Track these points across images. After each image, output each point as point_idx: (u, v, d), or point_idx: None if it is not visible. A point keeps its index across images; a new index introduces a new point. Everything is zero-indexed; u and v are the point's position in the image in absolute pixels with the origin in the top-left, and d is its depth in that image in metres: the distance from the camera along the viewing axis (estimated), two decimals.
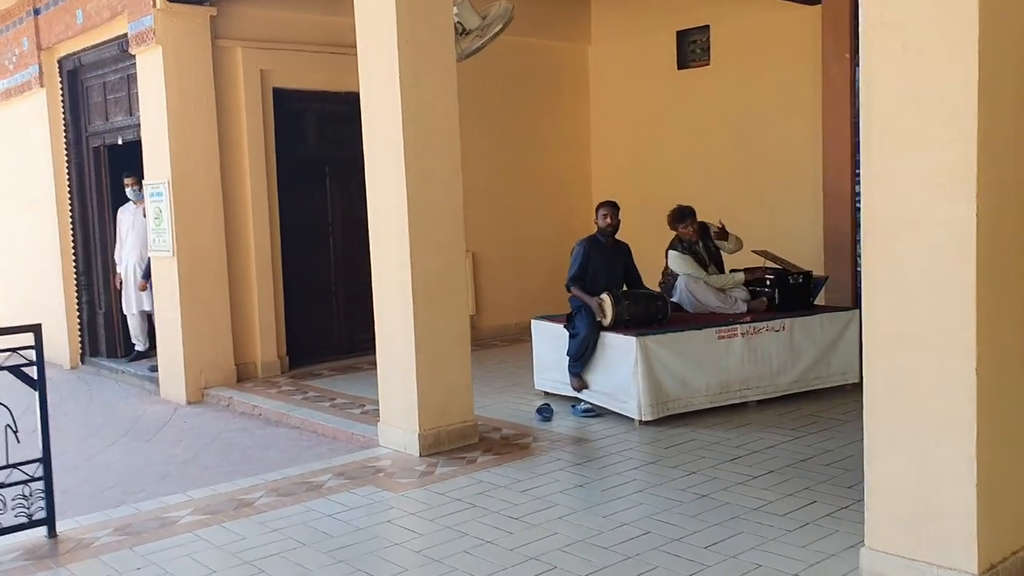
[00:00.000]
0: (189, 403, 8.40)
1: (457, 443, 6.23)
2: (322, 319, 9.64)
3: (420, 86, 5.93)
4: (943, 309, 3.57)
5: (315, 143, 9.52)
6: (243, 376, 8.83)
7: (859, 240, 8.90)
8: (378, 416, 6.92)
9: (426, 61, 5.95)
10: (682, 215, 7.63)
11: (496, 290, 10.87)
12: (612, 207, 7.26)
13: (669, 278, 7.73)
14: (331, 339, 9.72)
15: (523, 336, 10.58)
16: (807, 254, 8.91)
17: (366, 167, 6.28)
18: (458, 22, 6.42)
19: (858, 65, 8.84)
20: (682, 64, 10.63)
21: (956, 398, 3.57)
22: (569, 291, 7.18)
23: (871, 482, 3.89)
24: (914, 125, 3.61)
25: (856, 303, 8.85)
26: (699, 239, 7.68)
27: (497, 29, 6.47)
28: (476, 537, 4.63)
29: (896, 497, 3.79)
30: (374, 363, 9.26)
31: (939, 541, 3.66)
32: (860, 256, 8.98)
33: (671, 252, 7.63)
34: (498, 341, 10.61)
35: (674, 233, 7.74)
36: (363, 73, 6.17)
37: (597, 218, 7.30)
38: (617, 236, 7.36)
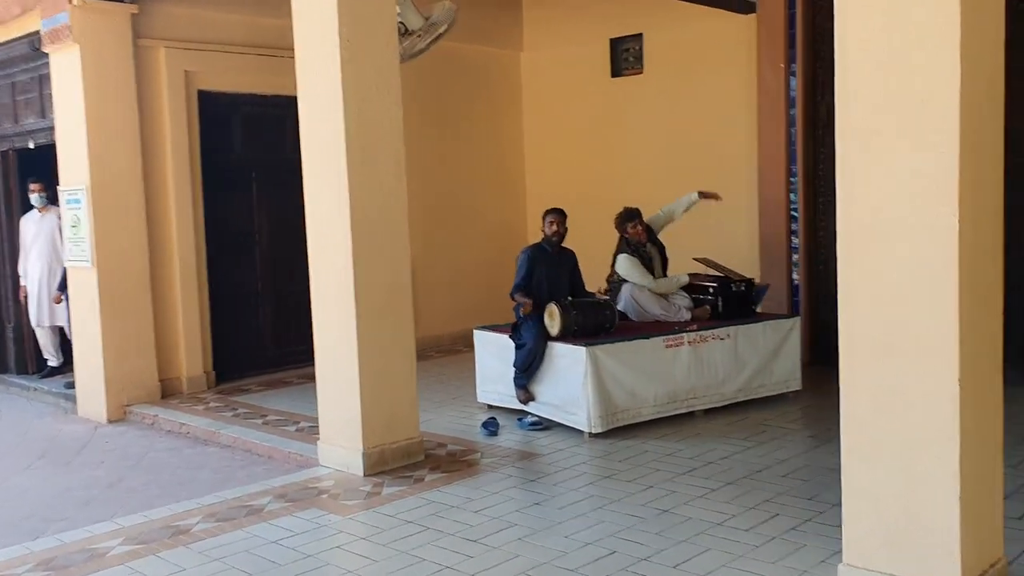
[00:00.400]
0: (110, 421, 7.94)
1: (402, 461, 5.97)
2: (249, 331, 9.26)
3: (362, 86, 5.67)
4: (925, 319, 3.48)
5: (242, 147, 9.15)
6: (168, 392, 8.39)
7: (795, 247, 8.97)
8: (314, 433, 6.63)
9: (368, 60, 5.70)
10: (630, 216, 7.53)
11: (430, 300, 10.59)
12: (559, 215, 7.10)
13: (614, 284, 7.59)
14: (259, 352, 9.33)
15: (458, 346, 10.41)
16: (743, 261, 8.88)
17: (304, 172, 5.99)
18: (400, 22, 6.18)
19: (793, 75, 8.93)
20: (616, 72, 10.55)
21: (939, 411, 3.48)
22: (513, 299, 6.99)
23: (849, 497, 3.79)
24: (894, 129, 3.52)
25: (793, 311, 8.88)
26: (646, 240, 7.58)
27: (442, 30, 6.25)
28: (435, 562, 4.39)
29: (876, 512, 3.69)
30: (304, 377, 9.00)
31: (921, 556, 3.57)
32: (797, 264, 9.09)
33: (621, 256, 7.50)
34: (433, 352, 10.35)
35: (618, 238, 7.61)
36: (301, 73, 5.88)
37: (544, 226, 7.13)
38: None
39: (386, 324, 5.87)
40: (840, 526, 4.57)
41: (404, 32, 6.26)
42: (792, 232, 8.95)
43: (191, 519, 5.15)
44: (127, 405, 8.05)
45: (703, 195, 7.83)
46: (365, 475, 5.78)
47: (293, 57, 5.92)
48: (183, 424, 7.50)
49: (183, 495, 5.78)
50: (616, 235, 7.85)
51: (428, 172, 10.54)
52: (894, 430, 3.61)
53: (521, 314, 6.74)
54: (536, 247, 7.14)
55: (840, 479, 4.56)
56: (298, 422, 7.29)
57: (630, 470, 5.73)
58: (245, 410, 7.79)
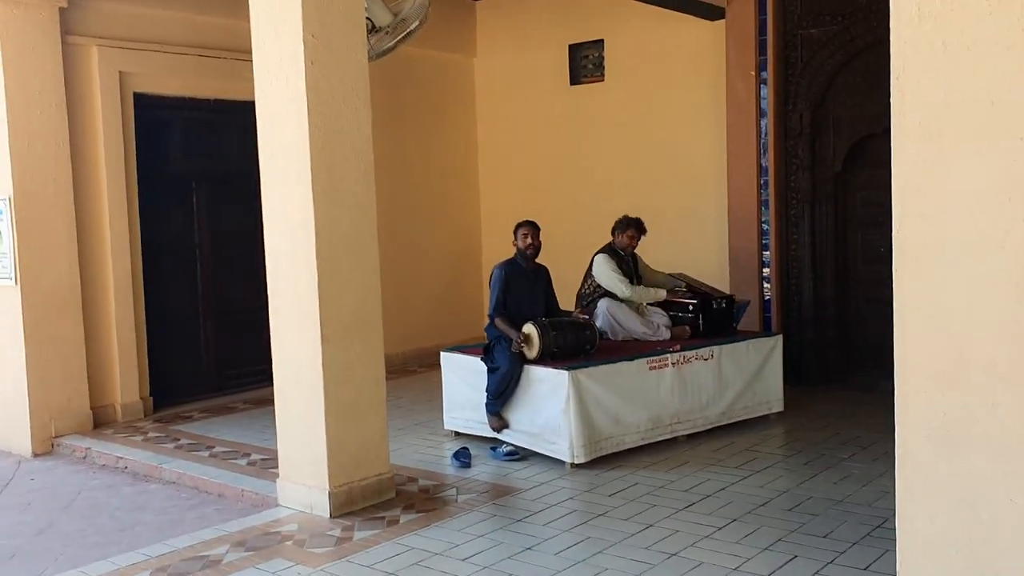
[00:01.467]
0: (36, 455, 7.20)
1: (372, 500, 5.42)
2: (190, 354, 8.58)
3: (329, 88, 5.15)
4: (997, 344, 3.09)
5: (181, 156, 8.48)
6: (101, 421, 7.68)
7: (766, 262, 8.65)
8: (268, 467, 6.09)
9: (336, 59, 5.17)
10: (628, 223, 7.16)
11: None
12: (533, 227, 6.63)
13: (588, 288, 7.15)
14: (200, 376, 8.66)
15: (411, 367, 9.88)
16: (713, 277, 8.53)
17: (262, 183, 5.42)
18: (367, 18, 5.66)
19: (764, 83, 8.64)
20: (575, 79, 10.15)
21: (1012, 447, 3.09)
22: (492, 322, 6.48)
23: (905, 547, 3.37)
24: (959, 132, 3.12)
25: (765, 328, 8.56)
26: (632, 252, 7.17)
27: (412, 26, 5.76)
28: None
29: (936, 560, 3.28)
30: (251, 402, 8.37)
31: None
32: (769, 279, 8.77)
33: (599, 256, 7.09)
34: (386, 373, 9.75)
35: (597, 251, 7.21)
36: (260, 75, 5.31)
37: (516, 239, 6.65)
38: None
39: (354, 349, 5.33)
40: (868, 569, 4.24)
41: (371, 29, 5.74)
42: (763, 247, 8.63)
43: (139, 575, 4.53)
44: (55, 437, 7.33)
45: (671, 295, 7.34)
46: (332, 517, 5.22)
47: (239, 59, 5.40)
48: (120, 458, 6.82)
49: (125, 543, 5.15)
50: (576, 250, 7.46)
51: (375, 183, 9.97)
52: (959, 471, 3.21)
53: (514, 349, 6.22)
54: (509, 263, 6.65)
55: (844, 510, 4.16)
56: (248, 454, 6.68)
57: (624, 506, 5.27)
58: (189, 440, 7.14)
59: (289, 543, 4.89)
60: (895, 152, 3.29)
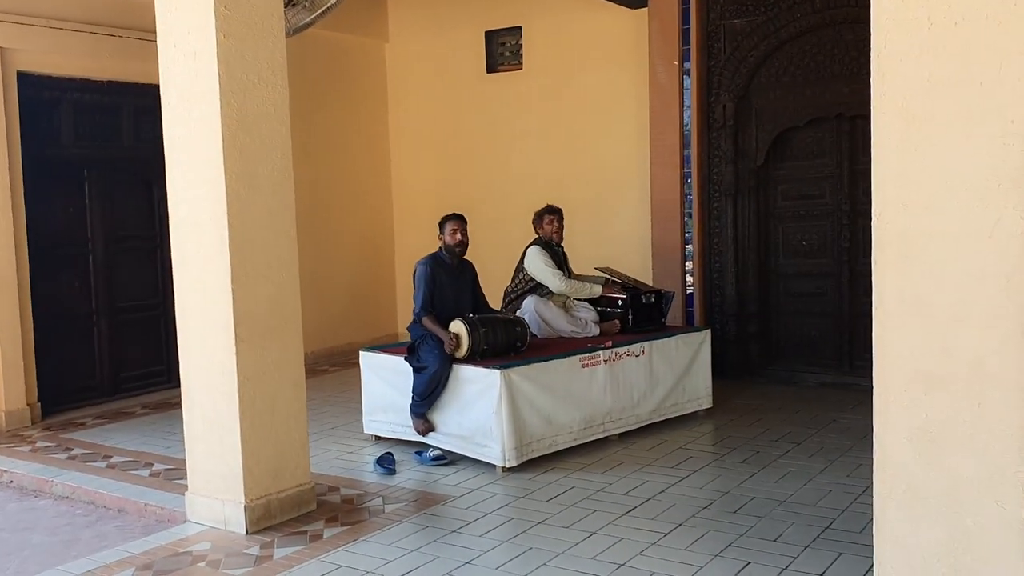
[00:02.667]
0: None
1: (292, 513, 5.01)
2: (82, 355, 7.94)
3: (244, 64, 4.70)
4: (985, 343, 2.90)
5: (72, 141, 7.82)
6: None
7: (689, 255, 8.51)
8: (172, 478, 5.65)
9: (251, 33, 4.73)
10: (550, 209, 6.92)
11: None
12: (462, 222, 6.30)
13: (518, 284, 6.85)
14: (93, 379, 8.03)
15: (321, 366, 9.45)
16: (636, 270, 8.35)
17: (167, 168, 4.94)
18: None
19: (688, 74, 8.48)
20: (492, 67, 9.84)
21: (999, 450, 2.91)
22: (418, 323, 6.11)
23: (884, 552, 3.17)
24: (945, 115, 2.92)
25: (688, 321, 8.42)
26: (560, 241, 6.90)
27: (332, 1, 5.32)
28: None
29: (916, 570, 3.09)
30: (149, 406, 7.80)
31: None
32: (691, 272, 8.63)
33: (531, 248, 6.81)
34: None
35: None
36: (165, 46, 4.83)
37: (443, 234, 6.30)
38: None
39: (272, 350, 4.90)
40: (826, 575, 4.06)
41: (288, 2, 5.30)
42: (686, 240, 8.49)
43: None
44: None
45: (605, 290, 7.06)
46: (248, 533, 4.79)
47: (137, 38, 4.93)
48: (4, 471, 6.21)
49: (11, 571, 4.61)
50: (494, 244, 7.16)
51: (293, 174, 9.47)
52: (943, 475, 3.02)
53: (447, 351, 5.86)
54: (433, 258, 6.29)
55: (790, 511, 4.01)
56: (151, 464, 6.17)
57: (563, 512, 4.99)
58: (83, 450, 6.56)
59: (202, 564, 4.45)
60: (875, 137, 3.08)
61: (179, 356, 5.02)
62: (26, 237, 7.36)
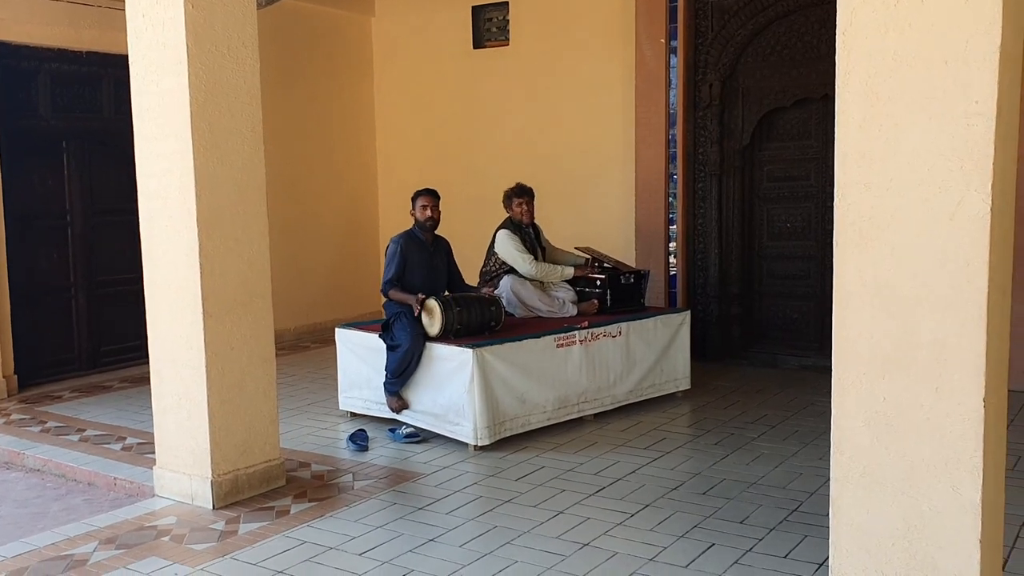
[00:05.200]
0: None
1: (260, 488, 4.99)
2: (59, 328, 7.90)
3: (212, 34, 4.63)
4: (945, 326, 2.87)
5: (50, 112, 7.74)
6: None
7: (672, 236, 8.46)
8: (145, 453, 5.61)
9: (220, 3, 4.66)
10: (521, 191, 6.81)
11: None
12: (432, 196, 6.24)
13: (491, 266, 6.80)
14: (72, 353, 7.99)
15: (304, 343, 9.41)
16: (619, 250, 8.32)
17: (136, 143, 4.89)
18: None
19: (674, 52, 8.40)
20: (478, 43, 9.74)
21: (957, 434, 2.89)
22: (386, 297, 6.08)
23: (840, 535, 3.14)
24: (909, 94, 2.88)
25: (671, 302, 8.39)
26: (530, 222, 6.84)
27: None
28: None
29: (872, 554, 3.07)
30: (127, 380, 7.77)
31: None
32: (675, 253, 8.59)
33: (501, 232, 6.74)
34: (276, 349, 9.22)
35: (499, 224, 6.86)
36: (133, 14, 4.75)
37: (414, 209, 6.25)
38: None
39: (241, 325, 4.86)
40: (788, 557, 4.05)
41: None
42: (670, 219, 8.44)
43: None
44: None
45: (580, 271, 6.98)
46: (215, 508, 4.77)
47: (117, 8, 4.83)
48: None
49: None
50: (477, 222, 7.10)
51: (266, 143, 9.38)
52: (899, 458, 2.99)
53: (415, 310, 5.84)
54: (407, 235, 6.25)
55: (759, 493, 3.98)
56: (123, 438, 6.14)
57: (531, 491, 4.97)
58: (56, 423, 6.53)
59: (166, 539, 4.42)
60: (839, 115, 3.04)
61: (147, 330, 4.97)
62: (2, 209, 7.28)
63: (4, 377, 7.32)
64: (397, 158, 10.41)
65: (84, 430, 6.35)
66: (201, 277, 4.65)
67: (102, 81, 7.94)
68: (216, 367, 4.75)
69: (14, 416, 6.75)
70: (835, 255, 3.05)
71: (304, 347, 9.31)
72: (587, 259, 7.10)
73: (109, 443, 6.04)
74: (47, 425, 6.49)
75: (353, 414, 6.51)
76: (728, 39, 8.04)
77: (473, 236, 7.87)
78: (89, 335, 8.08)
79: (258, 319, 4.95)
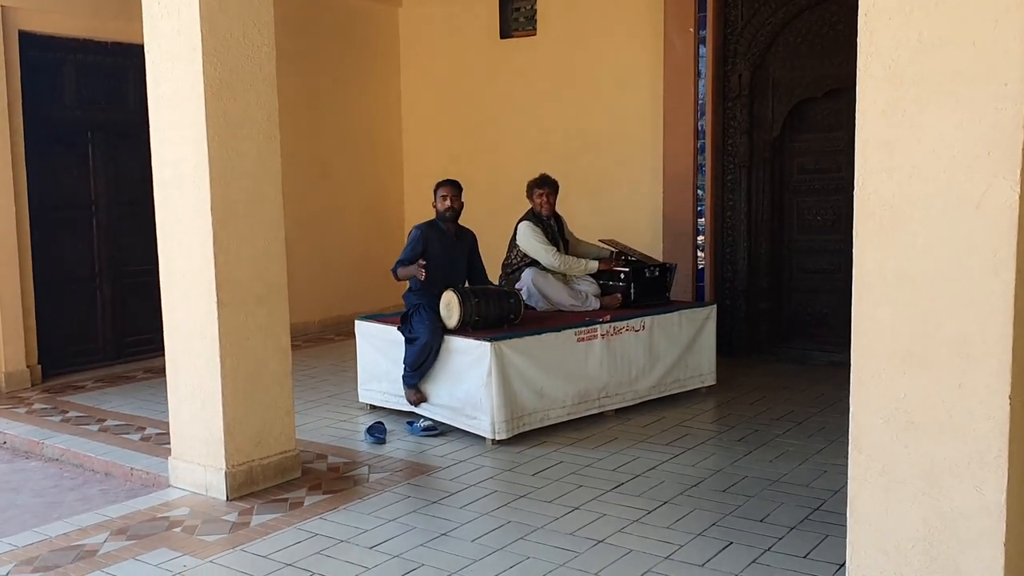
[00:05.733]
0: None
1: (275, 480, 4.95)
2: (84, 318, 7.93)
3: (227, 21, 4.59)
4: (969, 320, 2.74)
5: (76, 103, 7.76)
6: None
7: (700, 229, 8.33)
8: (163, 443, 5.58)
9: None
10: (542, 181, 6.72)
11: (295, 283, 9.29)
12: (453, 187, 6.17)
13: (514, 258, 6.72)
14: (96, 343, 8.02)
15: (328, 335, 9.39)
16: (646, 243, 8.19)
17: (151, 131, 4.87)
18: None
19: (703, 41, 8.26)
20: (505, 33, 9.65)
21: (981, 432, 2.76)
22: (395, 276, 6.04)
23: (858, 536, 3.03)
24: (934, 78, 2.75)
25: (698, 297, 8.25)
26: (552, 216, 6.75)
27: None
28: None
29: (891, 556, 2.96)
30: (151, 371, 7.78)
31: None
32: (703, 247, 8.45)
33: (522, 224, 6.66)
34: (300, 341, 9.21)
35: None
36: (149, 5, 4.73)
37: (435, 200, 6.19)
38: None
39: (256, 316, 4.82)
40: (808, 557, 3.94)
41: None
42: (698, 212, 8.31)
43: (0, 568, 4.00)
44: None
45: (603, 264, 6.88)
46: (229, 499, 4.74)
47: None
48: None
49: None
50: (502, 213, 7.03)
51: (290, 138, 9.34)
52: (920, 456, 2.87)
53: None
54: (430, 224, 6.19)
55: (781, 491, 3.86)
56: (143, 428, 6.14)
57: (547, 487, 4.89)
58: (78, 413, 6.55)
59: (177, 530, 4.40)
60: (860, 100, 2.92)
61: (163, 320, 4.95)
62: (27, 199, 7.32)
63: (28, 367, 7.35)
64: (423, 149, 10.35)
65: (104, 420, 6.36)
66: (215, 267, 4.62)
67: (127, 72, 7.94)
68: (231, 357, 4.71)
69: (36, 405, 6.78)
70: (855, 246, 2.94)
71: (328, 339, 9.29)
72: (611, 252, 7.00)
73: (128, 433, 6.03)
74: (68, 415, 6.50)
75: (372, 407, 6.46)
76: (758, 28, 7.88)
77: (498, 227, 7.77)
78: (113, 325, 8.11)
79: (274, 309, 4.90)
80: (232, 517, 4.53)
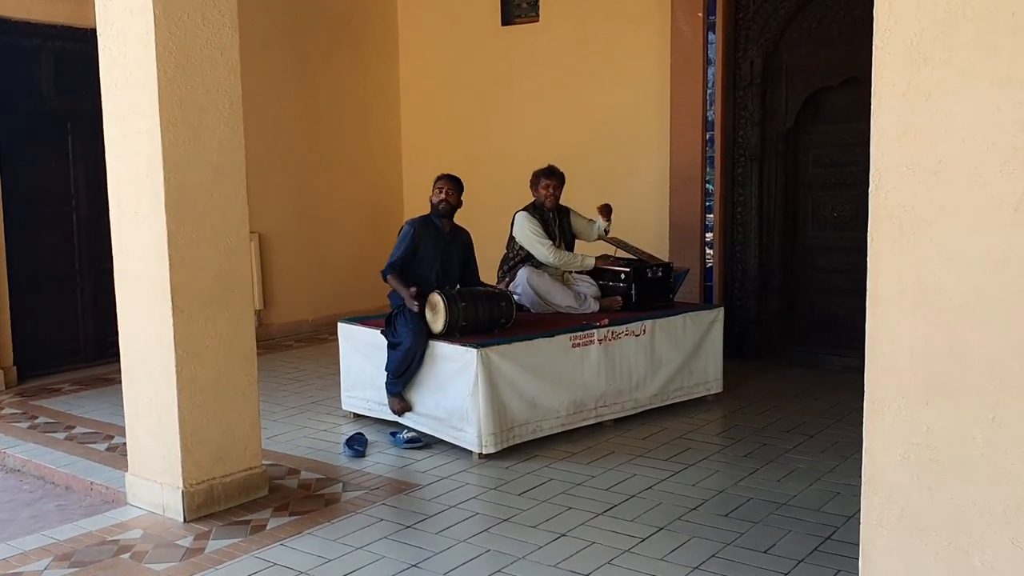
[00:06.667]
0: None
1: (239, 499, 4.57)
2: (63, 318, 7.58)
3: (184, 2, 4.19)
4: (1004, 341, 2.33)
5: (53, 92, 7.40)
6: None
7: (709, 225, 7.89)
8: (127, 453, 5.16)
9: None
10: (550, 172, 6.34)
11: (288, 280, 9.12)
12: (452, 182, 5.77)
13: (511, 253, 6.33)
14: (75, 343, 7.68)
15: (321, 335, 9.01)
16: (652, 241, 7.78)
17: (104, 120, 4.50)
18: None
19: (713, 27, 7.82)
20: (507, 20, 9.23)
21: (1018, 474, 2.35)
22: (384, 280, 5.64)
23: None
24: (964, 56, 2.33)
25: (706, 298, 7.83)
26: (555, 210, 6.34)
27: None
28: None
29: None
30: None
31: None
32: (712, 245, 8.02)
33: (520, 214, 6.28)
34: (291, 341, 8.89)
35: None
36: None
37: (432, 193, 5.80)
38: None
39: (217, 323, 4.43)
40: None
41: None
42: (707, 208, 7.87)
43: None
44: None
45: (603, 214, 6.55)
46: (187, 521, 4.36)
47: None
48: None
49: None
50: (504, 208, 6.62)
51: (284, 129, 9.03)
52: (946, 501, 2.46)
53: (408, 307, 5.39)
54: (422, 220, 5.78)
55: (788, 516, 3.46)
56: (111, 436, 5.78)
57: (533, 509, 4.49)
58: (47, 419, 6.20)
59: (126, 556, 4.02)
60: (877, 83, 2.50)
61: (118, 327, 4.58)
62: (1, 194, 6.97)
63: (2, 369, 7.02)
64: (422, 142, 9.95)
65: (73, 427, 6.01)
66: (170, 269, 4.24)
67: None
68: (188, 367, 4.33)
69: (6, 411, 6.43)
70: (869, 253, 2.52)
71: (322, 339, 8.91)
72: (613, 251, 6.59)
73: (95, 442, 5.68)
74: (37, 421, 6.16)
75: (356, 415, 6.08)
76: (771, 12, 7.44)
77: (498, 223, 7.35)
78: (95, 325, 7.77)
79: (237, 315, 4.52)
80: (187, 542, 4.15)
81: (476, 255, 6.04)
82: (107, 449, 5.55)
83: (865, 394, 2.57)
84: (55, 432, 5.91)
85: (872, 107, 2.48)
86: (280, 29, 8.91)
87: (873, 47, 2.49)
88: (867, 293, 2.53)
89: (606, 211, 6.48)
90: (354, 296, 9.49)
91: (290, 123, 9.05)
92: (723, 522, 4.30)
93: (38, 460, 5.39)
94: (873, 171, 2.48)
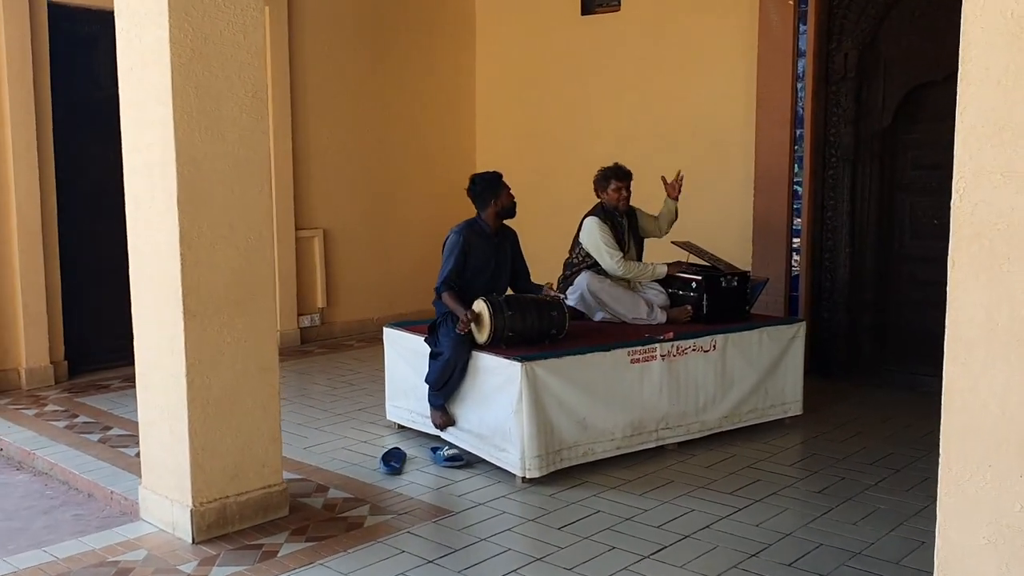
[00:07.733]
0: None
1: (255, 519, 4.24)
2: (114, 311, 7.35)
3: None
4: None
5: (111, 80, 7.19)
6: (2, 387, 6.62)
7: (796, 230, 7.27)
8: None
9: None
10: (620, 172, 5.88)
11: (352, 277, 8.84)
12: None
13: (576, 257, 5.89)
14: (127, 337, 7.47)
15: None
16: (731, 246, 7.21)
17: (121, 109, 4.22)
18: None
19: (804, 16, 7.17)
20: (587, 9, 8.75)
21: None
22: (439, 297, 5.23)
23: None
24: None
25: (792, 310, 7.21)
26: (626, 213, 5.88)
27: None
28: None
29: None
30: None
31: None
32: (799, 251, 7.39)
33: (589, 219, 5.84)
34: (354, 341, 8.61)
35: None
36: None
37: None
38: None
39: (233, 328, 4.10)
40: None
41: None
42: (794, 211, 7.25)
43: None
44: None
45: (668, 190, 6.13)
46: (195, 542, 4.05)
47: None
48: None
49: None
50: (581, 208, 6.15)
51: (355, 119, 8.75)
52: None
53: (459, 330, 4.97)
54: (469, 225, 5.36)
55: (863, 570, 2.86)
56: None
57: (573, 546, 4.03)
58: (87, 418, 6.02)
59: None
60: (964, 71, 1.99)
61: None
62: (54, 184, 6.85)
63: (52, 363, 6.89)
64: (497, 135, 9.56)
65: (110, 428, 5.80)
66: (182, 269, 3.93)
67: None
68: (200, 376, 4.01)
69: (49, 407, 6.28)
70: (949, 280, 2.00)
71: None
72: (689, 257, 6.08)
73: (128, 446, 5.45)
74: (75, 420, 5.98)
75: (400, 426, 5.72)
76: (868, 0, 6.77)
77: (571, 223, 6.93)
78: None
79: (257, 320, 4.18)
80: (190, 568, 3.83)
81: (543, 256, 5.61)
82: (136, 455, 5.27)
83: (940, 459, 2.04)
84: (90, 433, 5.71)
85: (958, 97, 1.95)
86: (355, 12, 8.63)
87: (961, 28, 1.97)
88: (945, 331, 2.00)
89: (675, 188, 5.97)
90: (420, 295, 9.08)
91: (356, 116, 8.76)
92: (785, 573, 3.77)
93: (65, 464, 5.18)
94: (957, 178, 1.96)
